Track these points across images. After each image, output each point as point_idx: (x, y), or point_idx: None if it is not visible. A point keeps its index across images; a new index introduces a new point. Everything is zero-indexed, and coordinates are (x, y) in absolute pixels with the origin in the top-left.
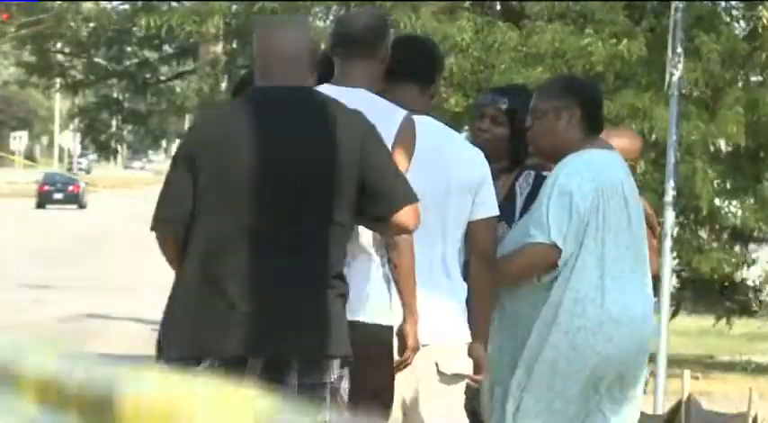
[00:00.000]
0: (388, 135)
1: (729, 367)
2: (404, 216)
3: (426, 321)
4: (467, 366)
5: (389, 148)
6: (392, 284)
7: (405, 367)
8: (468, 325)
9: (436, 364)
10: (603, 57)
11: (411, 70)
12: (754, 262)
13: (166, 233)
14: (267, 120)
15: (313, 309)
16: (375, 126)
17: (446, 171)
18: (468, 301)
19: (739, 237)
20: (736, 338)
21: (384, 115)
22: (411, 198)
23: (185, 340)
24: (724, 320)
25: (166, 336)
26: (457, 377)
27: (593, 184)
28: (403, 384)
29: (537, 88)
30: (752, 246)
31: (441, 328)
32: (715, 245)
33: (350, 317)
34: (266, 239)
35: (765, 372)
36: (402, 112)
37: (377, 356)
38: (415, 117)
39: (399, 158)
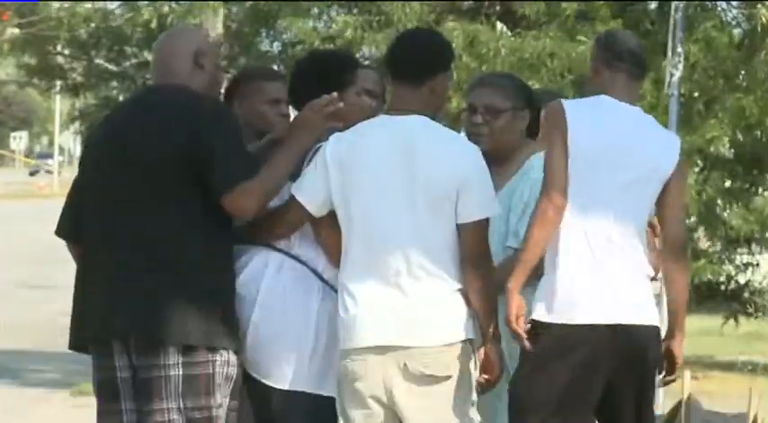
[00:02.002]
0: (670, 159)
1: (729, 367)
2: (239, 197)
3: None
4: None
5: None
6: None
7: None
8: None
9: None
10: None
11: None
12: (757, 265)
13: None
14: (123, 116)
15: (153, 295)
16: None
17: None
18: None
19: (737, 242)
20: (736, 338)
21: (664, 138)
22: (246, 177)
23: (74, 330)
24: (727, 321)
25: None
26: (432, 378)
27: None
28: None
29: (484, 83)
30: (754, 247)
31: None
32: (718, 248)
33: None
34: (117, 229)
35: (765, 372)
36: (677, 139)
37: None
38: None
39: (682, 185)
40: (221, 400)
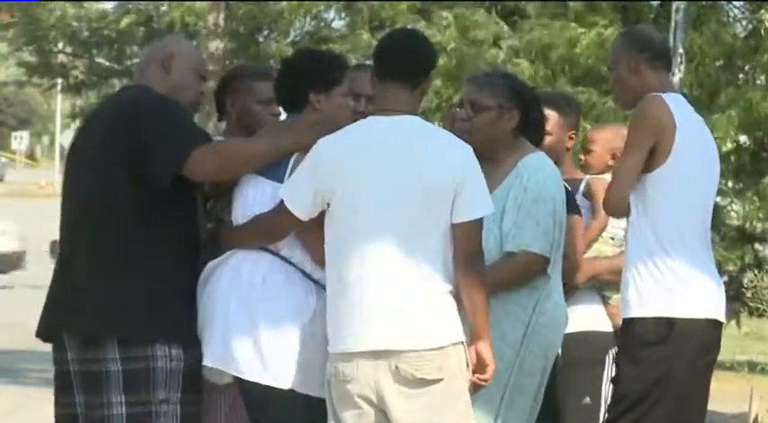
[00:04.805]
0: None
1: (729, 367)
2: (194, 163)
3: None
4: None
5: None
6: None
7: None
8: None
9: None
10: (585, 46)
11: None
12: (760, 263)
13: None
14: (90, 117)
15: (92, 290)
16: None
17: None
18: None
19: (744, 237)
20: (736, 338)
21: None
22: (190, 148)
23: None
24: (729, 322)
25: None
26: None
27: (561, 186)
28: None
29: (475, 79)
30: (757, 246)
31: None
32: (719, 241)
33: None
34: (68, 224)
35: (765, 372)
36: None
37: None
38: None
39: None
40: (165, 394)
